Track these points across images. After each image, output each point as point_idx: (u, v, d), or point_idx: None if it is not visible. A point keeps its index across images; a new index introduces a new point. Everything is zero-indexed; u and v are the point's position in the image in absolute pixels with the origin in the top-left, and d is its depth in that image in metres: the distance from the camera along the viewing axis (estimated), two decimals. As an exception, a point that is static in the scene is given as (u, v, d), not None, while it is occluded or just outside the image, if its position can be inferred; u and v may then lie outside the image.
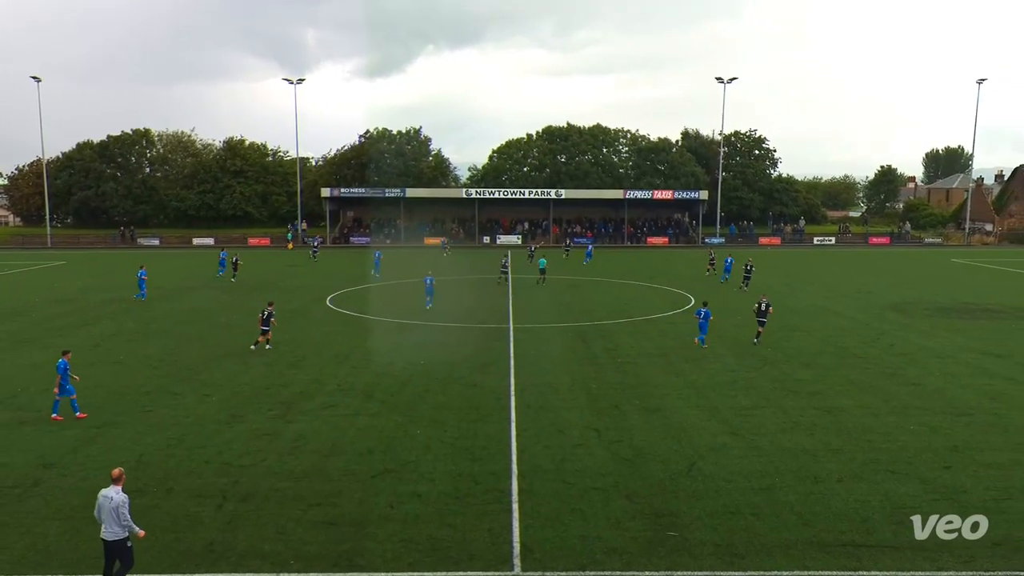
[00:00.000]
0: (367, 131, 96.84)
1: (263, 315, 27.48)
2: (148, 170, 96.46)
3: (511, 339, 29.12)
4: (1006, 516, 13.53)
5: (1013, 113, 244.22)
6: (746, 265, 45.69)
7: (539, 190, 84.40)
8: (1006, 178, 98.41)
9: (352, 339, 29.47)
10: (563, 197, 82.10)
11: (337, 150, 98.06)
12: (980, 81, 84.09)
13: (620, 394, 21.51)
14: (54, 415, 19.22)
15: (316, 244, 69.58)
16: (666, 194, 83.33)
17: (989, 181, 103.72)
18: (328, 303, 38.86)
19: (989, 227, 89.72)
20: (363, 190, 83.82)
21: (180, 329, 31.73)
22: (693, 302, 38.67)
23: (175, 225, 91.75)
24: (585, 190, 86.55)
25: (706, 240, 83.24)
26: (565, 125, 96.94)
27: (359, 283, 47.33)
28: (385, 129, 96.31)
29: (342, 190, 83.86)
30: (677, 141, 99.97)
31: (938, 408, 20.16)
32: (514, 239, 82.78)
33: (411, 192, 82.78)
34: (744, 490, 14.73)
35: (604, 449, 17.05)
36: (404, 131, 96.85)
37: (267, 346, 27.29)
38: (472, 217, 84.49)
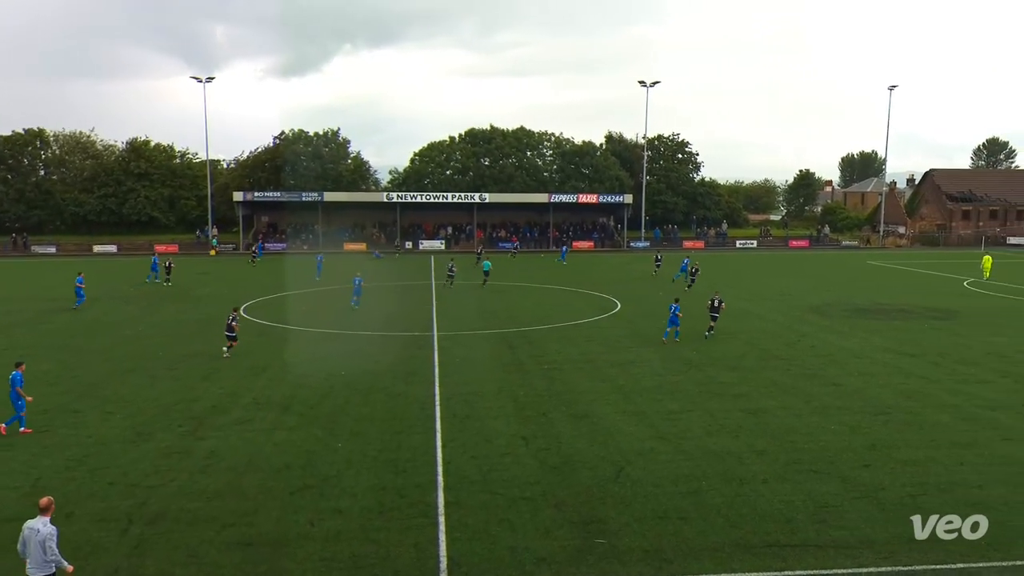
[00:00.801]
0: (282, 132, 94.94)
1: (229, 322, 27.76)
2: (43, 173, 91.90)
3: (435, 347, 28.99)
4: (921, 511, 14.16)
5: (922, 119, 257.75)
6: (692, 268, 48.86)
7: (462, 194, 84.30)
8: (917, 182, 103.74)
9: (269, 350, 28.79)
10: (487, 201, 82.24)
11: (250, 152, 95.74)
12: (892, 88, 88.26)
13: (547, 401, 21.67)
14: (22, 428, 18.63)
15: (258, 249, 69.91)
16: (591, 198, 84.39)
17: (901, 185, 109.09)
18: (243, 312, 37.87)
19: (902, 229, 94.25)
20: (278, 194, 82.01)
21: (80, 343, 30.38)
22: (619, 306, 39.31)
23: (74, 231, 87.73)
24: (509, 194, 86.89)
25: (631, 244, 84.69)
26: (488, 127, 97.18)
27: (276, 291, 46.28)
28: (301, 130, 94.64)
29: (256, 194, 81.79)
30: (601, 144, 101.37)
31: (857, 408, 21.04)
32: (437, 244, 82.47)
33: (329, 196, 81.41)
34: (672, 494, 15.04)
35: (532, 457, 17.13)
36: (321, 133, 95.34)
37: (225, 352, 27.28)
38: (393, 222, 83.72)
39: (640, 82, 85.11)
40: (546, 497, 14.93)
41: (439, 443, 18.01)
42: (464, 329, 32.90)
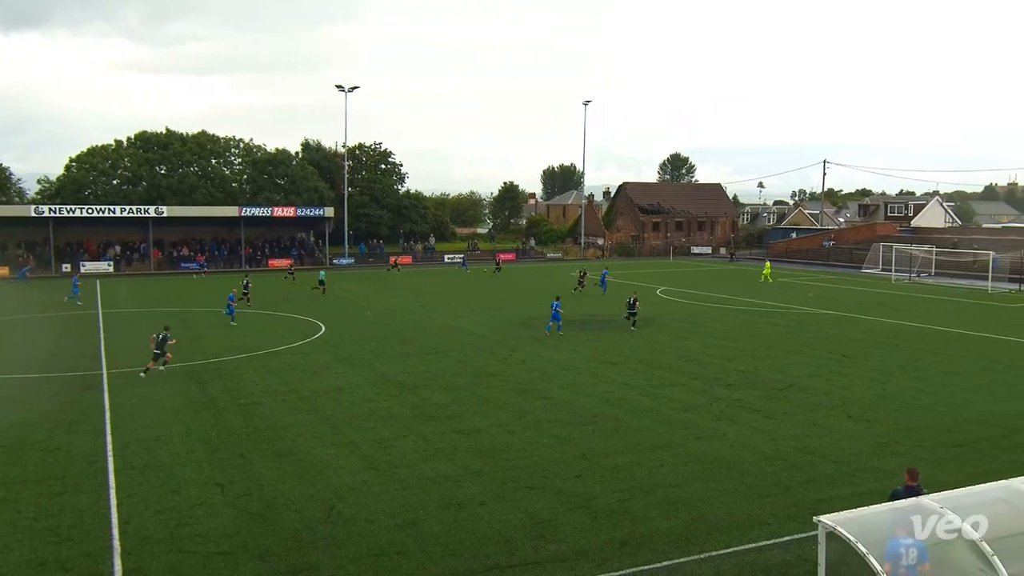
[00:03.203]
0: None
1: (157, 337, 28.57)
2: None
3: (105, 387, 26.46)
4: (630, 516, 15.73)
5: (615, 134, 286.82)
6: (581, 272, 59.69)
7: (134, 207, 77.92)
8: (612, 194, 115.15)
9: None
10: (165, 215, 76.83)
11: None
12: (586, 103, 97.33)
13: (245, 440, 20.73)
14: None
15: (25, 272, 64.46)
16: (288, 211, 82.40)
17: (599, 198, 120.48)
18: None
19: (601, 241, 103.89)
20: None
21: None
22: (324, 330, 38.78)
23: None
24: (192, 207, 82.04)
25: (335, 261, 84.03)
26: (164, 131, 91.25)
27: None
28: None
29: None
30: (297, 153, 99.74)
31: (567, 419, 22.74)
32: (104, 265, 75.28)
33: (-45, 210, 70.99)
34: (388, 528, 15.12)
35: (229, 506, 16.27)
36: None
37: (160, 368, 28.60)
38: (45, 240, 74.92)
39: (338, 86, 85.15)
40: (247, 548, 14.25)
41: (113, 501, 16.42)
42: (141, 364, 30.34)
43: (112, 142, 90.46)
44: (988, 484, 11.75)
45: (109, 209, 76.47)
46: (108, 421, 22.41)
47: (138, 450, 19.79)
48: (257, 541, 14.58)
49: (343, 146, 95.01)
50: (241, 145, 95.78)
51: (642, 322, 41.51)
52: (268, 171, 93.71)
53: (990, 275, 60.00)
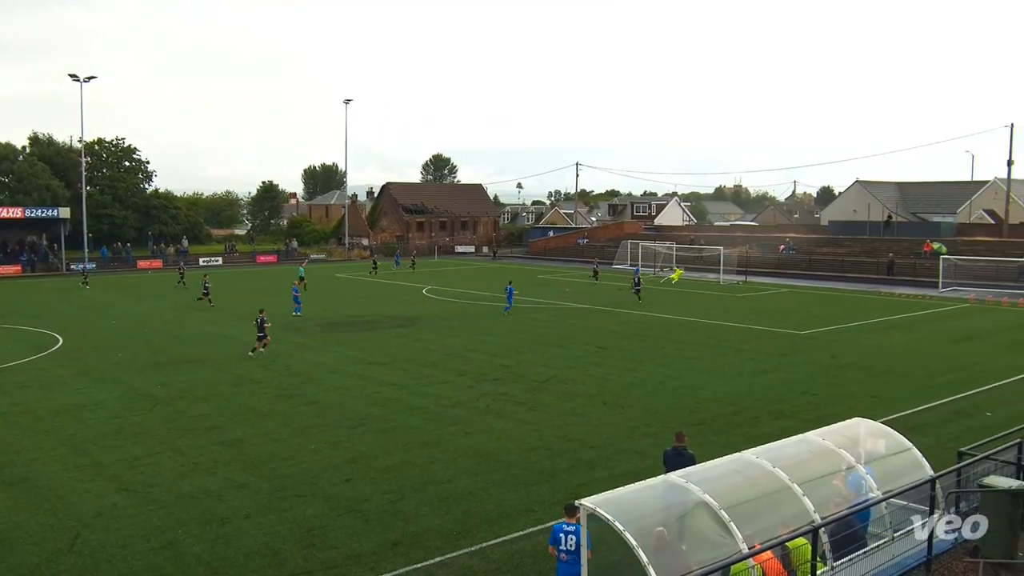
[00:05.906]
0: None
1: (258, 322, 31.58)
2: None
3: None
4: (402, 515, 15.75)
5: (377, 134, 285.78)
6: (595, 267, 68.34)
7: None
8: (376, 195, 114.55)
9: None
10: None
11: None
12: (347, 102, 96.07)
13: (-32, 469, 18.44)
14: None
15: None
16: (15, 212, 74.27)
17: (363, 198, 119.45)
18: None
19: (366, 241, 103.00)
20: None
21: None
22: (61, 342, 35.36)
23: None
24: None
25: (72, 267, 76.88)
26: None
27: None
28: None
29: None
30: (25, 148, 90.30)
31: (336, 423, 22.34)
32: None
33: None
34: (142, 552, 14.09)
35: (-51, 545, 14.39)
36: None
37: (262, 351, 31.33)
38: None
39: (72, 76, 77.86)
40: (-26, 591, 12.70)
41: None
42: None
43: None
44: (723, 458, 12.98)
45: None
46: None
47: None
48: (-14, 582, 13.05)
49: (79, 141, 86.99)
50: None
51: (407, 322, 41.73)
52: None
53: (721, 268, 66.24)
